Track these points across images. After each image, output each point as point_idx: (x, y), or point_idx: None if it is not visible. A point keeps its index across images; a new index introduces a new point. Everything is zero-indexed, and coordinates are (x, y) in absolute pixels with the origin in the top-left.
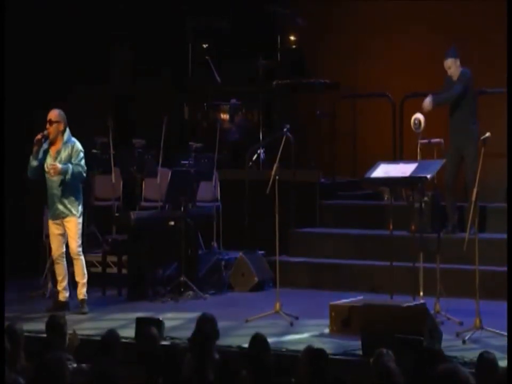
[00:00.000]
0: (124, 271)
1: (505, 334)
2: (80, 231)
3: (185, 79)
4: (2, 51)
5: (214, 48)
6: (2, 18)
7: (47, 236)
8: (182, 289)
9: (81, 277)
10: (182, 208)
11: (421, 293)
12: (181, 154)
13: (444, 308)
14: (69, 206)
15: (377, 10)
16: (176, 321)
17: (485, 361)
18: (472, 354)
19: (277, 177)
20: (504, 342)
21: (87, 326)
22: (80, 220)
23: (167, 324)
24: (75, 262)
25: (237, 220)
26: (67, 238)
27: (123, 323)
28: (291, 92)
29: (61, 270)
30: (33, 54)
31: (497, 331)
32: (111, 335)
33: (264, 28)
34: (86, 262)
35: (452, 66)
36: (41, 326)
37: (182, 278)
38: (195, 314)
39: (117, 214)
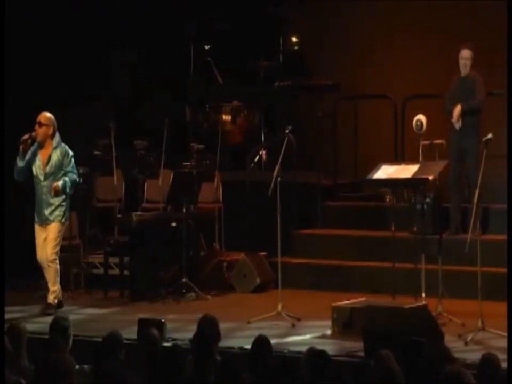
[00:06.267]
0: (126, 272)
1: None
2: (59, 239)
3: (187, 81)
4: (2, 53)
5: (216, 49)
6: (3, 20)
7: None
8: (184, 291)
9: (53, 284)
10: (184, 210)
11: (423, 294)
12: (183, 156)
13: (446, 309)
14: (55, 212)
15: (378, 12)
16: (178, 323)
17: (487, 363)
18: (474, 356)
19: (279, 178)
20: (506, 343)
21: (89, 327)
22: (62, 227)
23: (169, 325)
24: (48, 267)
25: (239, 221)
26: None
27: (125, 324)
28: (292, 93)
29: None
30: (34, 57)
31: (500, 332)
32: (113, 336)
33: (266, 30)
34: (89, 263)
35: (469, 59)
36: (37, 326)
37: (183, 279)
38: (197, 316)
39: (118, 216)
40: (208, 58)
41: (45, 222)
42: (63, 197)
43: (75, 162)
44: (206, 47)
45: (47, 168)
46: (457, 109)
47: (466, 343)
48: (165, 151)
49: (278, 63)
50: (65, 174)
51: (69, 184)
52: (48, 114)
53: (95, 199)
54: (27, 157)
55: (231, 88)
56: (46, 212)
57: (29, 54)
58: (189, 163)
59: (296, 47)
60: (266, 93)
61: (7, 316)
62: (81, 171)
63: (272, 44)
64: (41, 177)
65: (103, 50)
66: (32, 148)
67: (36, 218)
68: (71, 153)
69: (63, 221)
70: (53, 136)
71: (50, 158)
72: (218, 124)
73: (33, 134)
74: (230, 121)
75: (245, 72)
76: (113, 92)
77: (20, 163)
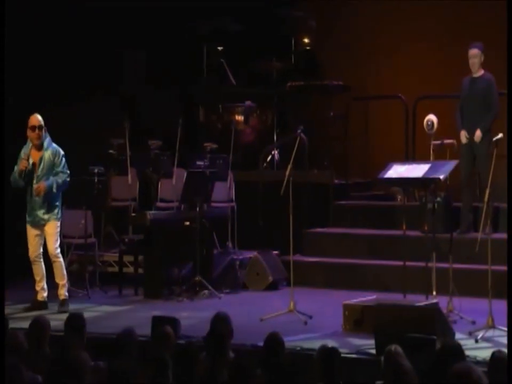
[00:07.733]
0: (140, 270)
1: None
2: (58, 234)
3: (200, 81)
4: (2, 53)
5: (229, 50)
6: (3, 20)
7: None
8: (198, 289)
9: (61, 278)
10: (197, 209)
11: (434, 292)
12: (196, 155)
13: (457, 307)
14: (48, 213)
15: (390, 13)
16: (191, 320)
17: (498, 360)
18: (484, 353)
19: (291, 178)
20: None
21: (103, 324)
22: (59, 223)
23: (183, 322)
24: (53, 263)
25: (252, 220)
26: (44, 240)
27: (139, 322)
28: (304, 94)
29: (38, 270)
30: (49, 57)
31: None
32: (127, 333)
33: (278, 30)
34: (104, 261)
35: (476, 58)
36: (52, 323)
37: (197, 278)
38: (210, 313)
39: (133, 214)
40: (221, 59)
41: (38, 223)
42: (55, 197)
43: (89, 162)
44: (219, 48)
45: (39, 170)
46: (478, 134)
47: (476, 341)
48: (179, 150)
49: (290, 64)
50: (56, 174)
51: (55, 185)
52: (39, 116)
53: (110, 198)
54: (26, 178)
55: (243, 88)
56: (39, 213)
57: (44, 55)
58: (202, 162)
59: (308, 48)
60: (278, 93)
61: (18, 315)
62: (96, 170)
63: (284, 44)
64: (34, 180)
65: (117, 50)
66: (25, 148)
67: (28, 218)
68: (62, 152)
69: (58, 217)
70: (44, 137)
71: (42, 159)
72: (231, 124)
73: (30, 162)
74: (242, 121)
75: (258, 73)
76: (128, 92)
77: (21, 182)
